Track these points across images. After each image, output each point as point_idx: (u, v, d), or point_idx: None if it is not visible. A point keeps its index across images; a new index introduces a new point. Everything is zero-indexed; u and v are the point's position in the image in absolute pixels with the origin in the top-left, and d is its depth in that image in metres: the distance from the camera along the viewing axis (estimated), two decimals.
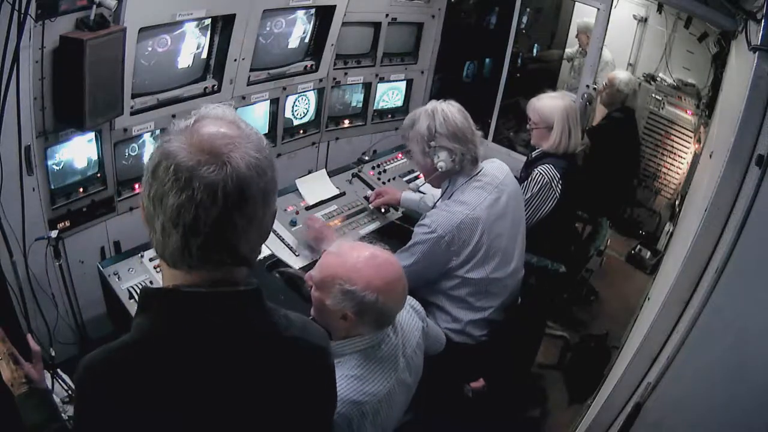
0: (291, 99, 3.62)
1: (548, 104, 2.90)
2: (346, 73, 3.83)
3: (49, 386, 1.76)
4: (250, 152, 0.93)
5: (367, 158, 3.44)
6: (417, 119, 2.28)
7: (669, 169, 4.68)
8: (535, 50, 5.21)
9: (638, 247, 4.52)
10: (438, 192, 2.46)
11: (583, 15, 4.79)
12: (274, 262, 2.53)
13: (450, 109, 2.26)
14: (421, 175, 2.51)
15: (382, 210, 3.00)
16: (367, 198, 3.08)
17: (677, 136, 4.57)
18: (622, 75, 4.17)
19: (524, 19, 4.60)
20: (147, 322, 0.98)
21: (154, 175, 0.92)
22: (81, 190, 2.70)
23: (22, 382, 1.34)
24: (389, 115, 4.22)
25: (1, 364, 1.35)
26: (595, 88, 4.22)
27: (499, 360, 2.37)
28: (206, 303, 0.97)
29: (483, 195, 2.25)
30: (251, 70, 3.24)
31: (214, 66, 3.08)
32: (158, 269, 2.34)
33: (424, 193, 2.75)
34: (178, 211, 0.90)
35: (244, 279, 1.02)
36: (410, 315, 1.81)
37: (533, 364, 3.11)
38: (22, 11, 1.99)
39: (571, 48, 5.23)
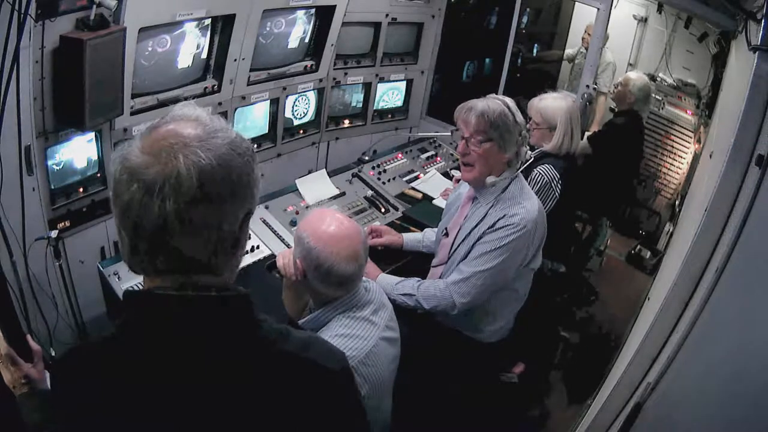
0: (291, 99, 3.62)
1: (551, 105, 2.89)
2: (346, 73, 3.82)
3: (50, 386, 1.76)
4: (199, 153, 0.89)
5: (367, 158, 3.44)
6: (509, 112, 2.15)
7: (669, 169, 4.69)
8: (535, 50, 5.21)
9: (638, 247, 4.52)
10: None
11: (584, 15, 4.80)
12: (275, 262, 2.52)
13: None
14: (481, 167, 2.20)
15: (382, 210, 3.00)
16: (367, 198, 3.09)
17: (677, 136, 4.58)
18: (638, 81, 3.96)
19: (524, 19, 4.61)
20: (119, 321, 0.99)
21: (114, 178, 0.94)
22: (81, 190, 2.70)
23: (23, 383, 1.34)
24: (389, 115, 4.22)
25: (2, 366, 1.35)
26: (595, 88, 4.21)
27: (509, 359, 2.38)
28: (170, 306, 0.94)
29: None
30: (251, 70, 3.24)
31: (214, 66, 3.07)
32: None
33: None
34: (123, 213, 0.91)
35: (222, 285, 0.97)
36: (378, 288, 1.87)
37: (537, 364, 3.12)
38: (22, 11, 1.99)
39: (572, 48, 5.23)
